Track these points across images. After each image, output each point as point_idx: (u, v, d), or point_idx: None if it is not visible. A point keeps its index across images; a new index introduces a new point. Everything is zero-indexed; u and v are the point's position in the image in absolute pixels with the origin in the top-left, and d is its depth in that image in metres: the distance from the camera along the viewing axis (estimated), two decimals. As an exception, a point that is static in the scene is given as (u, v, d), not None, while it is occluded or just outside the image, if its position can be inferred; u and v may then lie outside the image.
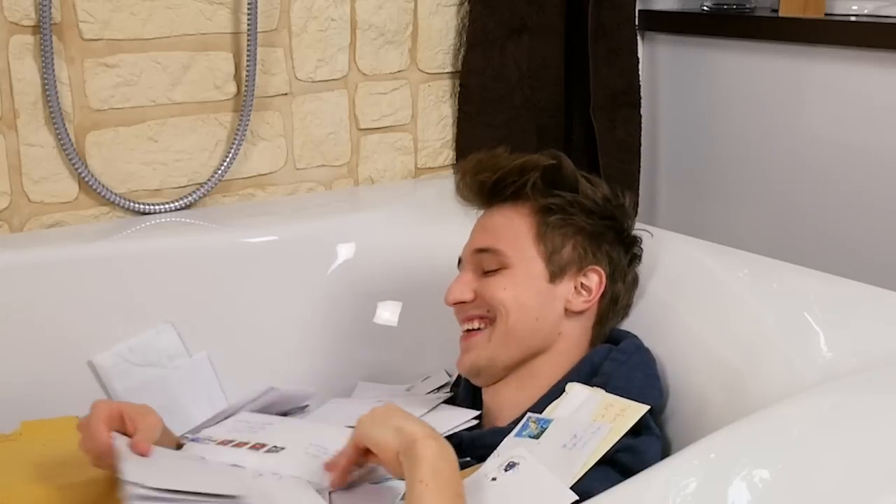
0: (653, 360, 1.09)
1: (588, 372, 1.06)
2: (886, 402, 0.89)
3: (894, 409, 0.88)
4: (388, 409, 0.92)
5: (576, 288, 1.10)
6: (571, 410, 0.99)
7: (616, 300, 1.13)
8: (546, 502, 0.86)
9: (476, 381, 1.14)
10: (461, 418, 1.11)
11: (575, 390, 1.01)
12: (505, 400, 1.10)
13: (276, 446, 1.02)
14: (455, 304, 1.12)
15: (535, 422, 0.98)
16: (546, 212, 1.11)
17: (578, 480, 0.90)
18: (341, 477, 0.93)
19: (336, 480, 0.93)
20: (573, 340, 1.10)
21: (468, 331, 1.12)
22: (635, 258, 1.17)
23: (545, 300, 1.09)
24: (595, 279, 1.11)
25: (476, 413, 1.12)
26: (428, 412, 1.15)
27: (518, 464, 0.90)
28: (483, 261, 1.11)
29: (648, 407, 0.97)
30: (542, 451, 0.93)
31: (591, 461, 0.90)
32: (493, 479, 0.90)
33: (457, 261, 1.17)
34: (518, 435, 0.97)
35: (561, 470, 0.89)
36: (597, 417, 0.96)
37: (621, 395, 1.00)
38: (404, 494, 0.85)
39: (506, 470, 0.90)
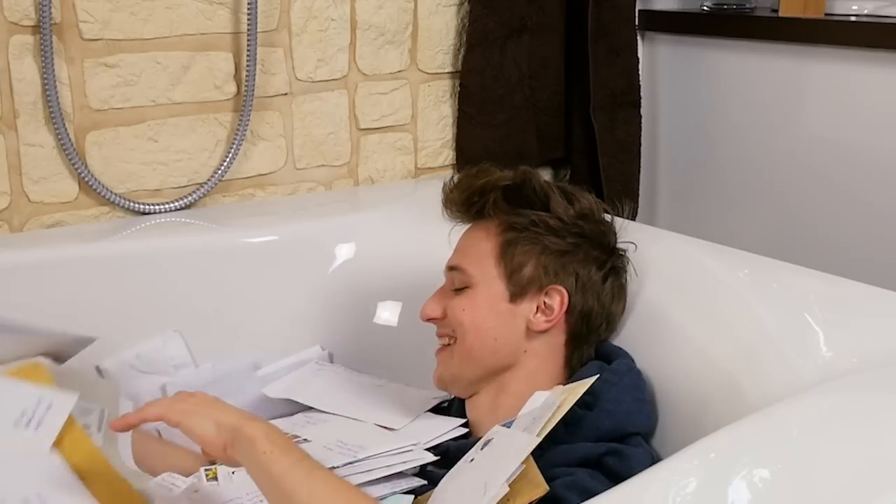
0: (644, 382, 1.09)
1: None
2: (886, 402, 0.89)
3: (894, 408, 0.88)
4: (203, 399, 0.92)
5: (538, 307, 1.10)
6: (533, 408, 1.00)
7: (588, 317, 1.12)
8: (515, 452, 0.87)
9: (451, 392, 1.17)
10: (449, 426, 1.12)
11: (535, 395, 1.01)
12: (481, 414, 1.12)
13: (305, 439, 1.07)
14: (426, 321, 1.15)
15: (502, 426, 0.98)
16: (510, 231, 1.12)
17: (568, 474, 0.91)
18: (121, 426, 0.94)
19: (115, 426, 0.94)
20: (542, 358, 1.11)
21: (441, 345, 1.15)
22: (613, 273, 1.15)
23: (505, 320, 1.10)
24: (557, 299, 1.10)
25: (463, 421, 1.13)
26: (415, 420, 1.16)
27: (492, 439, 0.92)
28: (454, 278, 1.14)
29: (595, 377, 0.98)
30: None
31: (547, 428, 0.90)
32: (472, 459, 0.92)
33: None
34: None
35: (520, 445, 0.90)
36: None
37: (610, 417, 1.01)
38: None
39: (482, 448, 0.92)
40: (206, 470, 1.04)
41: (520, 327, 1.10)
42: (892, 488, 0.76)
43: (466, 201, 1.15)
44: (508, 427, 0.96)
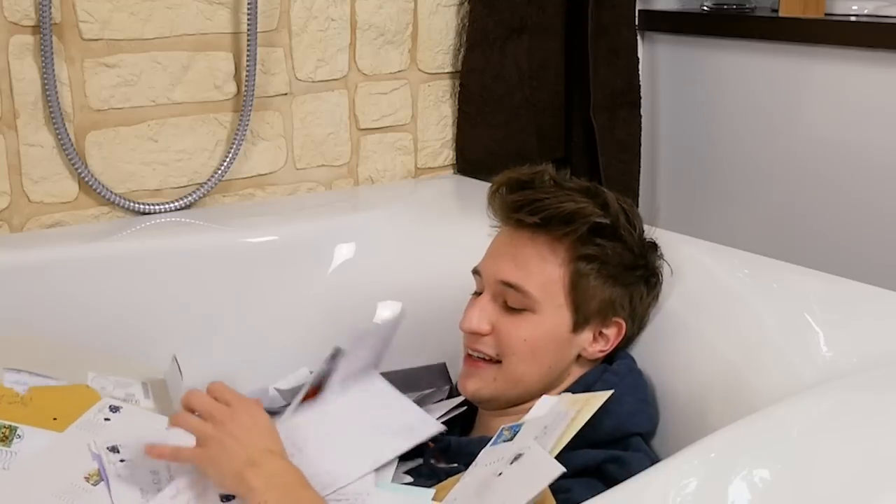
0: (645, 383, 1.08)
1: (581, 392, 1.05)
2: (886, 402, 0.89)
3: (894, 408, 0.88)
4: (223, 434, 0.92)
5: (594, 336, 1.08)
6: (541, 415, 0.98)
7: (629, 340, 1.11)
8: (539, 478, 0.85)
9: (480, 406, 1.13)
10: (449, 405, 1.11)
11: (542, 400, 1.00)
12: (498, 419, 1.09)
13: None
14: (470, 333, 1.08)
15: (508, 430, 0.97)
16: (583, 261, 1.06)
17: (564, 490, 0.90)
18: (154, 456, 0.94)
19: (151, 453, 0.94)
20: (576, 376, 1.09)
21: (475, 357, 1.09)
22: (655, 298, 1.13)
23: (562, 349, 1.07)
24: (614, 330, 1.08)
25: (461, 399, 1.12)
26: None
27: (523, 454, 0.89)
28: (508, 295, 1.06)
29: (611, 392, 0.95)
30: (517, 447, 0.92)
31: (561, 443, 0.89)
32: (500, 473, 0.89)
33: (472, 270, 1.12)
34: (494, 444, 0.96)
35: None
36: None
37: (612, 418, 0.99)
38: None
39: (511, 463, 0.89)
40: None
41: (573, 354, 1.08)
42: (892, 488, 0.76)
43: (544, 221, 1.05)
44: (516, 431, 0.95)
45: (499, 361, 1.07)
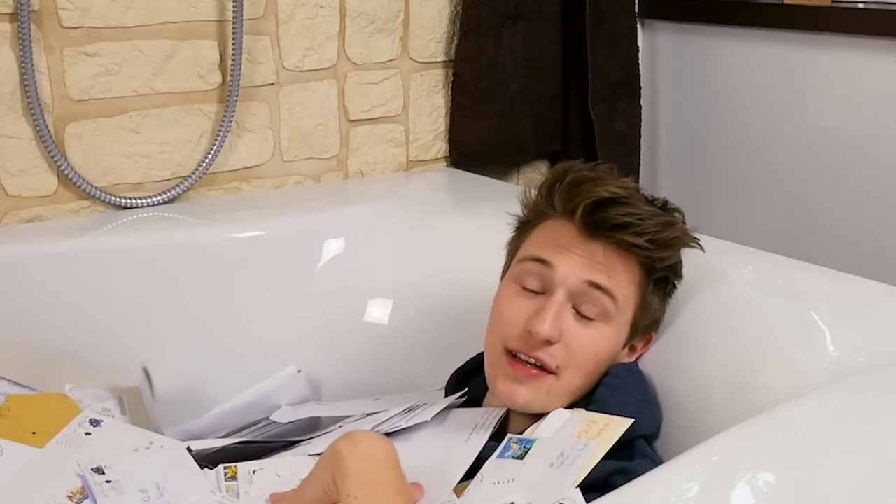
0: (646, 383, 1.06)
1: (584, 398, 1.04)
2: (894, 403, 0.88)
3: (903, 409, 0.88)
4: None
5: (629, 349, 1.07)
6: (553, 431, 0.96)
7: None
8: None
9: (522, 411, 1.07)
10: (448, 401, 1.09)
11: (557, 413, 0.98)
12: (515, 423, 1.05)
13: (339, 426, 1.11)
14: (544, 341, 0.99)
15: (516, 443, 0.95)
16: (658, 282, 1.06)
17: None
18: None
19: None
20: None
21: (530, 365, 1.01)
22: None
23: (611, 362, 1.05)
24: (642, 343, 1.08)
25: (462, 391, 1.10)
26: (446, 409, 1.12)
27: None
28: (591, 297, 1.01)
29: (632, 421, 0.93)
30: (529, 470, 0.90)
31: (581, 477, 0.87)
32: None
33: (530, 257, 1.05)
34: (500, 456, 0.94)
35: (552, 488, 0.86)
36: (581, 434, 0.93)
37: None
38: None
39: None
40: (224, 467, 1.00)
41: (610, 364, 1.06)
42: (900, 494, 0.76)
43: (650, 245, 1.02)
44: (527, 448, 0.93)
45: (554, 373, 1.01)
